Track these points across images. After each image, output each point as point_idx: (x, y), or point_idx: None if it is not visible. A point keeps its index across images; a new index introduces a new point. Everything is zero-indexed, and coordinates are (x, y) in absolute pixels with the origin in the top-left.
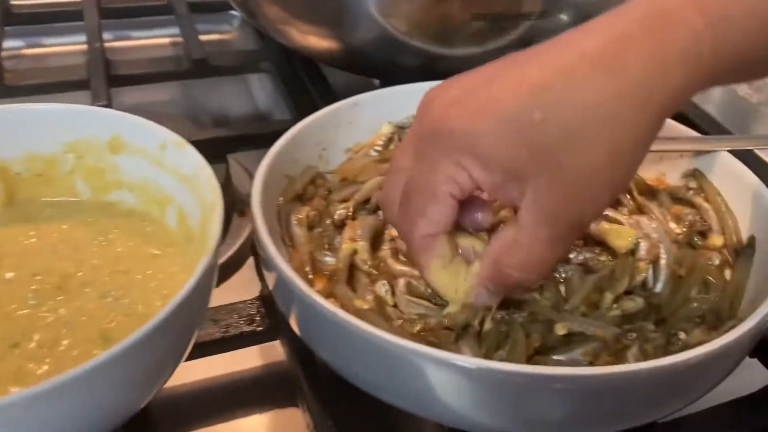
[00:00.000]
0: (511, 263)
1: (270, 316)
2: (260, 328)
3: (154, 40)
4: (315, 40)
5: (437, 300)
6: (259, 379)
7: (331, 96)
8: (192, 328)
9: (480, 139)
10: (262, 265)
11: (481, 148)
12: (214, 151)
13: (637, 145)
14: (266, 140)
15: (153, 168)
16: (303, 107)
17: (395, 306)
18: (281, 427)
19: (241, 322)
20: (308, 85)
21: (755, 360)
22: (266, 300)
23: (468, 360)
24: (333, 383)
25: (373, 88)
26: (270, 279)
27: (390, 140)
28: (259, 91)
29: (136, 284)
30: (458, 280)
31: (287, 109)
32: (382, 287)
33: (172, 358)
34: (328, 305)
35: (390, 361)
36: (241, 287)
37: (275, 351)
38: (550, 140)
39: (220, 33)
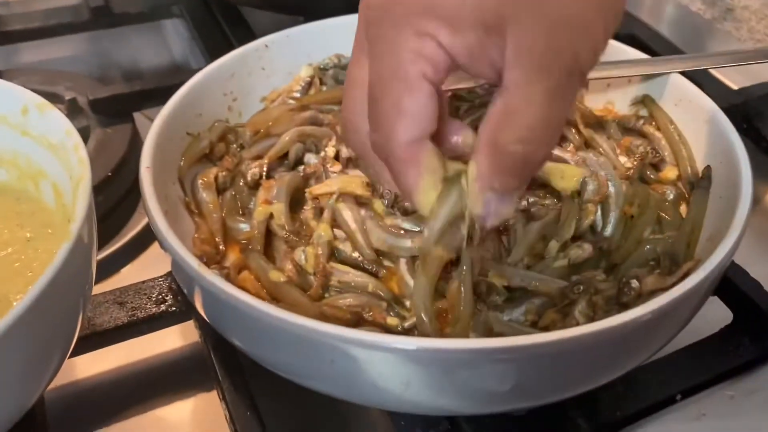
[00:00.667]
0: (510, 138)
1: (183, 293)
2: (173, 308)
3: None
4: None
5: (366, 265)
6: (177, 363)
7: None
8: (72, 317)
9: None
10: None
11: (442, 6)
12: (118, 108)
13: None
14: None
15: (19, 137)
16: (221, 54)
17: (315, 274)
18: (206, 412)
19: (151, 303)
20: (226, 29)
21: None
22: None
23: (396, 340)
24: (248, 367)
25: None
26: (168, 258)
27: (310, 84)
28: (173, 39)
29: (9, 275)
30: (455, 201)
31: (203, 58)
32: (301, 254)
33: (53, 351)
34: (232, 290)
35: (295, 343)
36: (153, 263)
37: (191, 331)
38: None
39: None
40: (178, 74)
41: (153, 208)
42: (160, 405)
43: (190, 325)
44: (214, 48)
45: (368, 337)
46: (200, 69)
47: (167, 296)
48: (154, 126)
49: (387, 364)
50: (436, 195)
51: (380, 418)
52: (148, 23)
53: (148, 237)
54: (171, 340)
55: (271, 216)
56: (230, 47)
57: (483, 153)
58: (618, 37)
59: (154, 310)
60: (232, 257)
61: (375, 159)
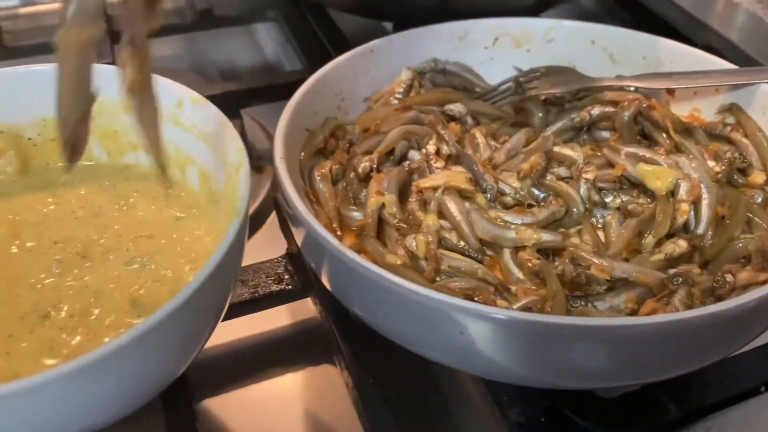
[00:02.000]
0: None
1: (299, 273)
2: (289, 287)
3: None
4: None
5: (471, 253)
6: (291, 337)
7: (344, 43)
8: (227, 290)
9: None
10: (290, 222)
11: None
12: (226, 106)
13: None
14: (280, 92)
15: (170, 127)
16: (314, 56)
17: (427, 259)
18: (316, 384)
19: (270, 281)
20: (318, 32)
21: None
22: (293, 258)
23: (506, 312)
24: (368, 338)
25: (385, 32)
26: (299, 236)
27: (410, 86)
28: (266, 42)
29: (161, 249)
30: None
31: (298, 59)
32: (412, 241)
33: (209, 323)
34: (361, 260)
35: (426, 315)
36: (265, 246)
37: (306, 308)
38: None
39: None
40: (276, 74)
41: (290, 191)
42: (275, 375)
43: (304, 302)
44: (308, 50)
45: (505, 312)
46: (296, 69)
47: (284, 275)
48: (281, 121)
49: (514, 337)
50: None
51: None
52: (242, 26)
53: (255, 224)
54: (285, 316)
55: (382, 205)
56: (323, 49)
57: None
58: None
59: (273, 288)
60: (348, 242)
61: None
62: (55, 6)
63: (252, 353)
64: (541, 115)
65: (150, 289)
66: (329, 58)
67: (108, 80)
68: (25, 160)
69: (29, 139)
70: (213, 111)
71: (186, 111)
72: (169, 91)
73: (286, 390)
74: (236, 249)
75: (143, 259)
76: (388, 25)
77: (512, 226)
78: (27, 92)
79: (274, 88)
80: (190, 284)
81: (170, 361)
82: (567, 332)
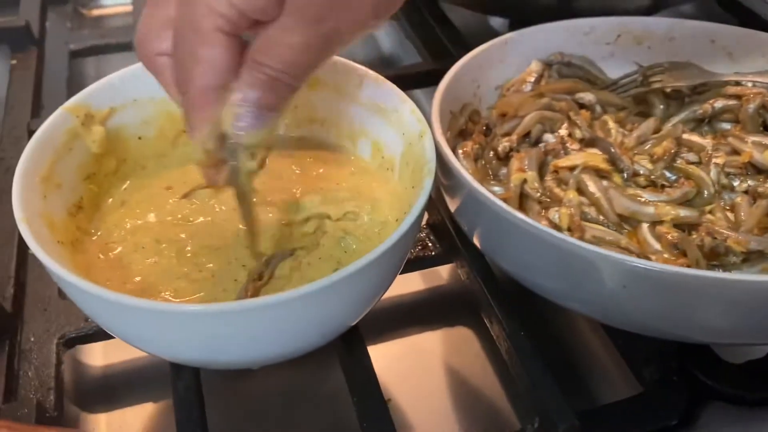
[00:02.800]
0: (266, 60)
1: (441, 241)
2: (432, 253)
3: None
4: None
5: (609, 226)
6: (428, 300)
7: (460, 39)
8: (410, 245)
9: None
10: (444, 191)
11: None
12: None
13: None
14: (408, 82)
15: (347, 103)
16: (434, 51)
17: (569, 230)
18: (453, 342)
19: (417, 248)
20: (436, 29)
21: None
22: (435, 228)
23: (678, 269)
24: (515, 296)
25: (494, 29)
26: (454, 202)
27: (541, 76)
28: (383, 37)
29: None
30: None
31: (417, 54)
32: (555, 213)
33: (392, 276)
34: (527, 218)
35: (589, 270)
36: None
37: (438, 276)
38: None
39: None
40: (391, 67)
41: (452, 159)
42: (415, 333)
43: (435, 270)
44: (426, 44)
45: (668, 267)
46: (416, 62)
47: (428, 243)
48: (435, 102)
49: (673, 292)
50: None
51: (614, 352)
52: None
53: None
54: (418, 281)
55: (524, 181)
56: (441, 45)
57: (245, 65)
58: None
59: (418, 253)
60: None
61: (162, 79)
62: None
63: (395, 312)
64: (662, 107)
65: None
66: (447, 52)
67: None
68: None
69: None
70: (392, 88)
71: (366, 89)
72: (352, 71)
73: (426, 346)
74: (424, 207)
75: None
76: (496, 22)
77: (651, 203)
78: None
79: (402, 78)
80: (396, 231)
81: (366, 301)
82: (722, 286)
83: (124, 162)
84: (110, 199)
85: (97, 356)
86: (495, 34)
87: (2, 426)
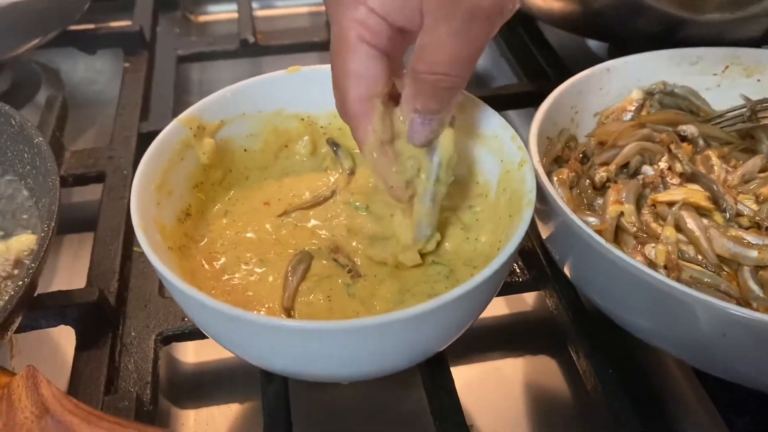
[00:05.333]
0: (422, 68)
1: (530, 268)
2: (520, 279)
3: None
4: (555, 4)
5: (708, 267)
6: (509, 325)
7: (558, 60)
8: (506, 274)
9: None
10: (537, 217)
11: None
12: None
13: None
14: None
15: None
16: (530, 71)
17: (666, 267)
18: (535, 371)
19: None
20: (533, 49)
21: None
22: (524, 254)
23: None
24: (604, 330)
25: (592, 52)
26: (547, 229)
27: (642, 106)
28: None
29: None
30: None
31: (513, 74)
32: (651, 249)
33: (486, 303)
34: (623, 254)
35: (687, 314)
36: None
37: (523, 301)
38: None
39: None
40: (485, 86)
41: (548, 186)
42: (498, 358)
43: (521, 297)
44: (522, 64)
45: None
46: (513, 83)
47: (515, 269)
48: (534, 128)
49: None
50: (383, 153)
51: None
52: None
53: None
54: (502, 306)
55: (621, 214)
56: (536, 64)
57: (406, 80)
58: None
59: (506, 278)
60: None
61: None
62: (291, 10)
63: (478, 335)
64: None
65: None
66: (544, 73)
67: None
68: (315, 144)
69: (321, 127)
70: (491, 113)
71: (465, 113)
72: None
73: (508, 372)
74: (524, 234)
75: None
76: (594, 44)
77: (754, 246)
78: (326, 88)
79: (497, 99)
80: (498, 258)
81: (459, 327)
82: None
83: (230, 172)
84: (215, 208)
85: (189, 354)
86: (593, 56)
87: (113, 422)
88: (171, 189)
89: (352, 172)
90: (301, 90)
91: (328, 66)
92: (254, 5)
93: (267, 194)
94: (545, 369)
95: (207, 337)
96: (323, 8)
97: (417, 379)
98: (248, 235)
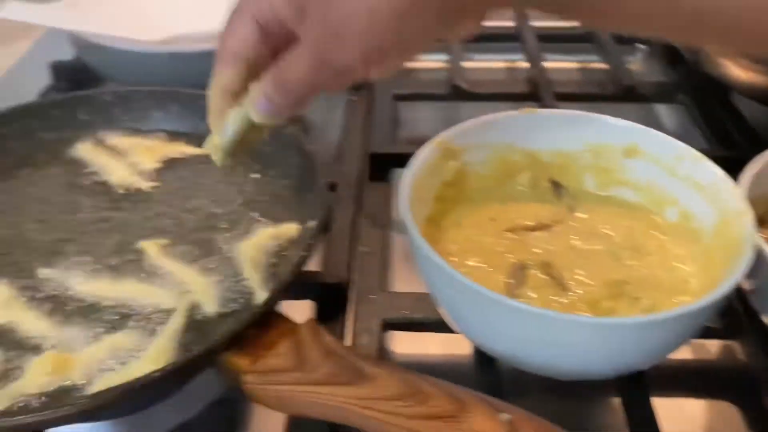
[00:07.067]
0: (280, 72)
1: (723, 315)
2: (712, 325)
3: (573, 64)
4: (758, 78)
5: None
6: (691, 366)
7: (748, 129)
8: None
9: None
10: None
11: None
12: None
13: (394, 12)
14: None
15: (663, 173)
16: (721, 139)
17: None
18: (716, 417)
19: None
20: (724, 117)
21: None
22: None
23: None
24: None
25: None
26: (750, 280)
27: None
28: (665, 116)
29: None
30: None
31: (701, 138)
32: None
33: (689, 336)
34: None
35: None
36: None
37: (705, 350)
38: None
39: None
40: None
41: (761, 243)
42: (679, 396)
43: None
44: (713, 131)
45: None
46: (702, 148)
47: None
48: (742, 189)
49: None
50: (223, 99)
51: None
52: (642, 103)
53: None
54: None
55: None
56: (728, 134)
57: (269, 72)
58: None
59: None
60: None
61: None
62: (490, 64)
63: (660, 371)
64: None
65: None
66: (734, 141)
67: (619, 129)
68: (535, 179)
69: (544, 163)
70: (711, 167)
71: (684, 164)
72: (672, 147)
73: (689, 412)
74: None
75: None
76: None
77: None
78: (551, 129)
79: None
80: (719, 288)
81: (668, 348)
82: None
83: (462, 191)
84: (449, 217)
85: (399, 346)
86: None
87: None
88: (421, 197)
89: (572, 210)
90: (530, 129)
91: (554, 110)
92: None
93: (492, 212)
94: (727, 415)
95: (423, 329)
96: (519, 63)
97: (610, 397)
98: (476, 242)
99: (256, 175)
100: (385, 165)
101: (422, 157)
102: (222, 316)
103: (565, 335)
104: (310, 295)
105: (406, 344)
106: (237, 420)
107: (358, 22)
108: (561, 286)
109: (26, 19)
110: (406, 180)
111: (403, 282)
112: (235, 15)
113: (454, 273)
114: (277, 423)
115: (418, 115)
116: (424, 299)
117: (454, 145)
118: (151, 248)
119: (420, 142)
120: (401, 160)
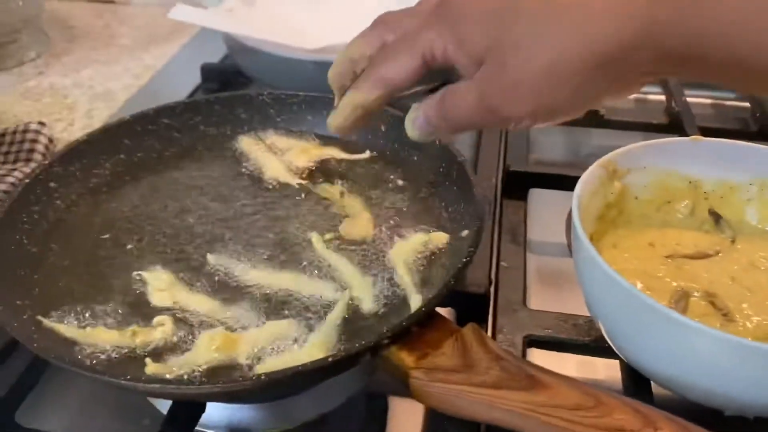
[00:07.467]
0: (445, 103)
1: None
2: None
3: (707, 99)
4: None
5: None
6: None
7: None
8: None
9: (464, 20)
10: None
11: (461, 28)
12: None
13: (574, 76)
14: None
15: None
16: None
17: None
18: None
19: None
20: None
21: None
22: None
23: None
24: None
25: None
26: None
27: None
28: None
29: None
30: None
31: None
32: None
33: None
34: None
35: None
36: None
37: None
38: (506, 42)
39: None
40: None
41: None
42: None
43: None
44: None
45: None
46: None
47: None
48: None
49: None
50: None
51: None
52: None
53: None
54: None
55: None
56: None
57: (437, 97)
58: None
59: None
60: None
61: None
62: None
63: None
64: None
65: None
66: None
67: None
68: (694, 208)
69: (704, 192)
70: None
71: None
72: None
73: None
74: None
75: None
76: None
77: None
78: (719, 158)
79: None
80: None
81: None
82: None
83: (621, 213)
84: (606, 239)
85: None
86: None
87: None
88: (586, 216)
89: (733, 241)
90: (695, 156)
91: (721, 140)
92: None
93: (650, 237)
94: None
95: (565, 350)
96: (651, 96)
97: None
98: (636, 265)
99: (403, 182)
100: (522, 183)
101: (591, 175)
102: (376, 315)
103: (747, 363)
104: (452, 303)
105: (539, 363)
106: (374, 417)
107: (536, 81)
108: (727, 317)
109: (192, 20)
110: (577, 196)
111: (539, 301)
112: (403, 45)
113: (632, 289)
114: (415, 423)
115: (549, 139)
116: (566, 320)
117: (618, 166)
118: (318, 241)
119: (553, 164)
120: (537, 180)
